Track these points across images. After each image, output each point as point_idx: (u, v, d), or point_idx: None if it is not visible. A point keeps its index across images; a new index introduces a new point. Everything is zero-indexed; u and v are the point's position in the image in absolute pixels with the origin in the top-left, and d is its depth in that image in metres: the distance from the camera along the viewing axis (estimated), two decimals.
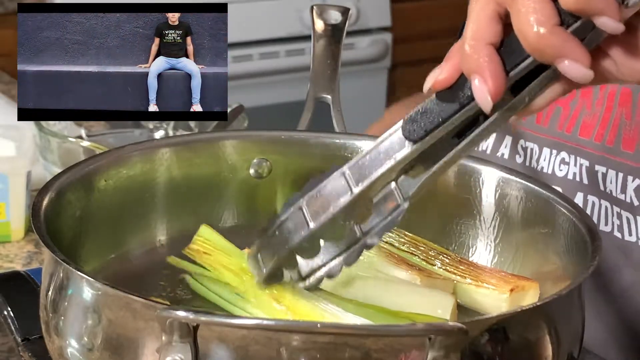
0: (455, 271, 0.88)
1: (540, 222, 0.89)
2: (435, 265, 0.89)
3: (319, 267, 0.77)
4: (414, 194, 0.73)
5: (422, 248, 0.91)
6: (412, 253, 0.91)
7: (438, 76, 0.69)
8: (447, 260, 0.90)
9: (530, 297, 0.86)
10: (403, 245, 0.92)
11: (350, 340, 0.67)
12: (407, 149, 0.70)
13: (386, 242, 0.92)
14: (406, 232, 0.93)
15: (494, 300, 0.86)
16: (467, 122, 0.70)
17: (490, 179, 0.93)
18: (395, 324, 0.75)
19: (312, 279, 0.78)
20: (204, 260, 0.86)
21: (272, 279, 0.78)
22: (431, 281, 0.86)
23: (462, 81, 0.69)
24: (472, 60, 0.67)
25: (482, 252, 0.94)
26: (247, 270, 0.83)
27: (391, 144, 0.71)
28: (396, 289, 0.84)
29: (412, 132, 0.70)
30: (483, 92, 0.66)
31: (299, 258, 0.77)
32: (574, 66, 0.65)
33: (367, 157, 0.72)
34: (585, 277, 0.76)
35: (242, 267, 0.84)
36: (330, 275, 0.77)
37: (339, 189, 0.73)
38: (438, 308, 0.81)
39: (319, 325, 0.66)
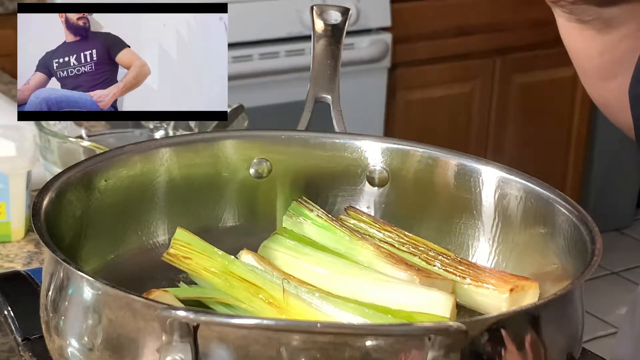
0: (454, 271, 0.88)
1: (540, 222, 0.89)
2: (434, 266, 0.89)
3: None
4: None
5: (421, 248, 0.91)
6: (411, 253, 0.91)
7: None
8: (447, 261, 0.89)
9: (530, 297, 0.86)
10: (403, 246, 0.91)
11: (350, 340, 0.67)
12: None
13: (386, 242, 0.92)
14: (406, 232, 0.93)
15: (494, 300, 0.86)
16: None
17: (490, 179, 0.93)
18: (395, 324, 0.75)
19: None
20: (185, 265, 0.85)
21: None
22: (430, 281, 0.86)
23: None
24: None
25: (482, 252, 0.94)
26: (232, 272, 0.83)
27: None
28: (395, 288, 0.84)
29: None
30: None
31: None
32: None
33: None
34: (585, 278, 0.76)
35: (227, 268, 0.83)
36: None
37: None
38: (437, 308, 0.81)
39: (319, 325, 0.66)
